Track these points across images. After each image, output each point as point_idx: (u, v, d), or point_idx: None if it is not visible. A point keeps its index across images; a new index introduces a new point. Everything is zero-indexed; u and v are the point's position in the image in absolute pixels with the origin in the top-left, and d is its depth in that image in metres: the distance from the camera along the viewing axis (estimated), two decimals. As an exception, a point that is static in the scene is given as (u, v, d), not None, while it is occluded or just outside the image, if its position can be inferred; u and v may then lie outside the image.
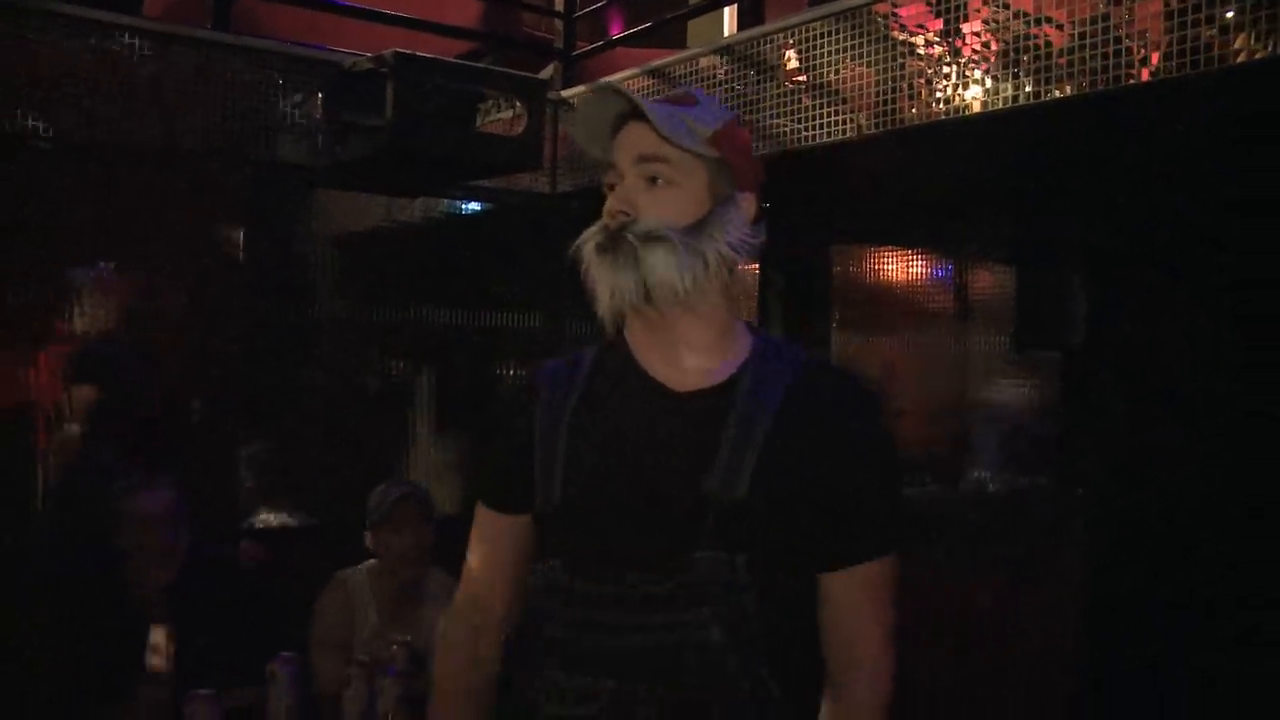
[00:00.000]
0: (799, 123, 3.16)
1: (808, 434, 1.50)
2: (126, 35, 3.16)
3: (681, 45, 4.56)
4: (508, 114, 3.58)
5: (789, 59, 3.20)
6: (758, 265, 3.90)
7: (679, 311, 1.53)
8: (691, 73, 3.45)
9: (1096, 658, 3.27)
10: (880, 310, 3.74)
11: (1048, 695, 3.33)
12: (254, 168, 3.47)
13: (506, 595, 1.68)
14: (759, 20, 3.43)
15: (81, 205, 3.28)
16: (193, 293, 3.53)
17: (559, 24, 3.94)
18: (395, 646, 2.81)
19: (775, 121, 3.23)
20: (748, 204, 1.57)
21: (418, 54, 3.24)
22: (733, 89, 3.30)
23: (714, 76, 3.38)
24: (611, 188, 1.55)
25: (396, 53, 3.21)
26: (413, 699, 2.70)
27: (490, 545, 1.69)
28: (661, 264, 1.48)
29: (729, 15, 4.20)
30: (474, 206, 3.94)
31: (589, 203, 3.93)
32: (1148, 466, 3.21)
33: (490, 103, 3.59)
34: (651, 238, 1.48)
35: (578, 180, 3.84)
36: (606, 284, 1.51)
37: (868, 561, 1.52)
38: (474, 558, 1.71)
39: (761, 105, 3.23)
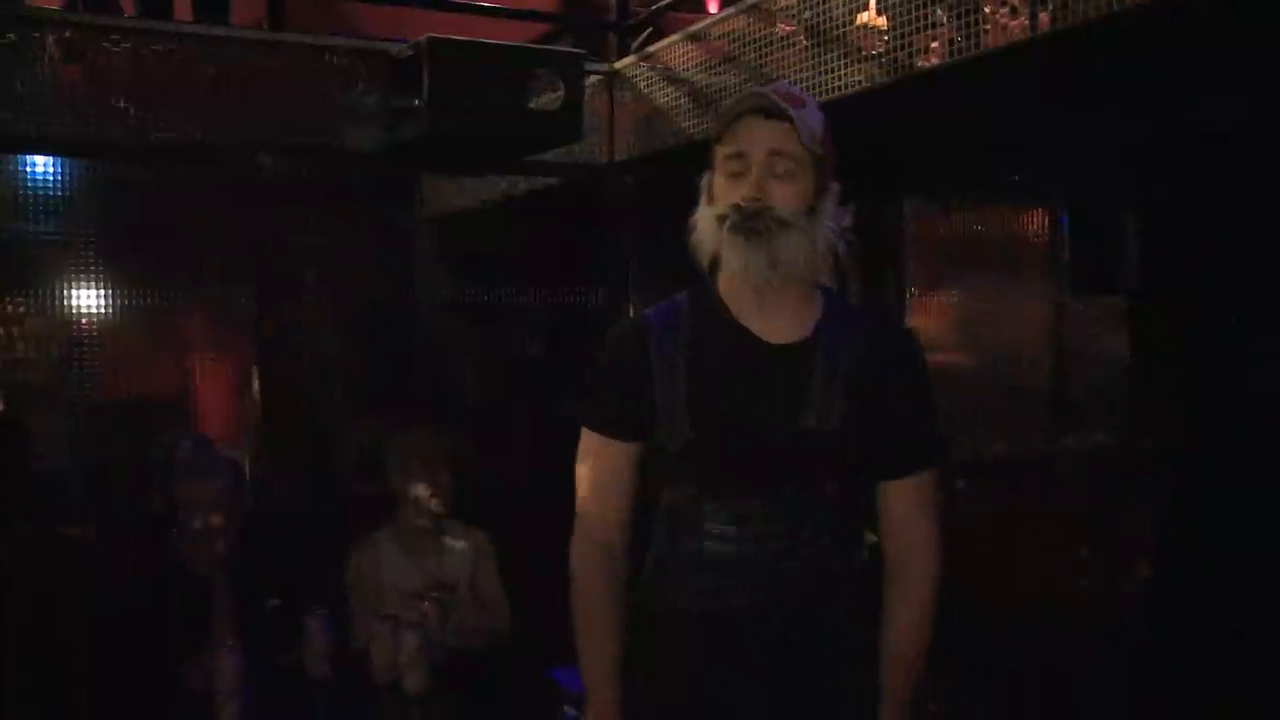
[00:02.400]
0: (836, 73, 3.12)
1: (874, 376, 1.87)
2: (185, 40, 3.41)
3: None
4: (560, 91, 3.65)
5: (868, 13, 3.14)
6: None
7: (786, 281, 1.85)
8: (729, 32, 3.44)
9: (1165, 612, 3.10)
10: (934, 260, 3.64)
11: (1114, 646, 3.19)
12: (320, 158, 3.67)
13: (625, 511, 1.95)
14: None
15: (158, 208, 3.58)
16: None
17: (612, -3, 3.98)
18: (427, 602, 2.96)
19: (803, 75, 3.19)
20: (836, 192, 1.90)
21: (453, 37, 3.36)
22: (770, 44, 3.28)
23: (748, 35, 3.36)
24: (732, 171, 1.84)
25: (431, 37, 3.34)
26: (434, 650, 2.86)
27: (610, 468, 1.94)
28: (792, 246, 1.81)
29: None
30: (531, 181, 4.04)
31: (646, 171, 3.97)
32: (1215, 414, 3.02)
33: (543, 80, 3.66)
34: (782, 223, 1.80)
35: (634, 150, 3.88)
36: (740, 258, 1.82)
37: (922, 471, 1.93)
38: (593, 481, 1.95)
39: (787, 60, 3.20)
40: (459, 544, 3.27)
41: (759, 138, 1.83)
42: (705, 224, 1.88)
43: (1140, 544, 3.20)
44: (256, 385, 3.80)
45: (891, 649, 1.93)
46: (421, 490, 3.19)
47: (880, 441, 1.88)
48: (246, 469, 3.50)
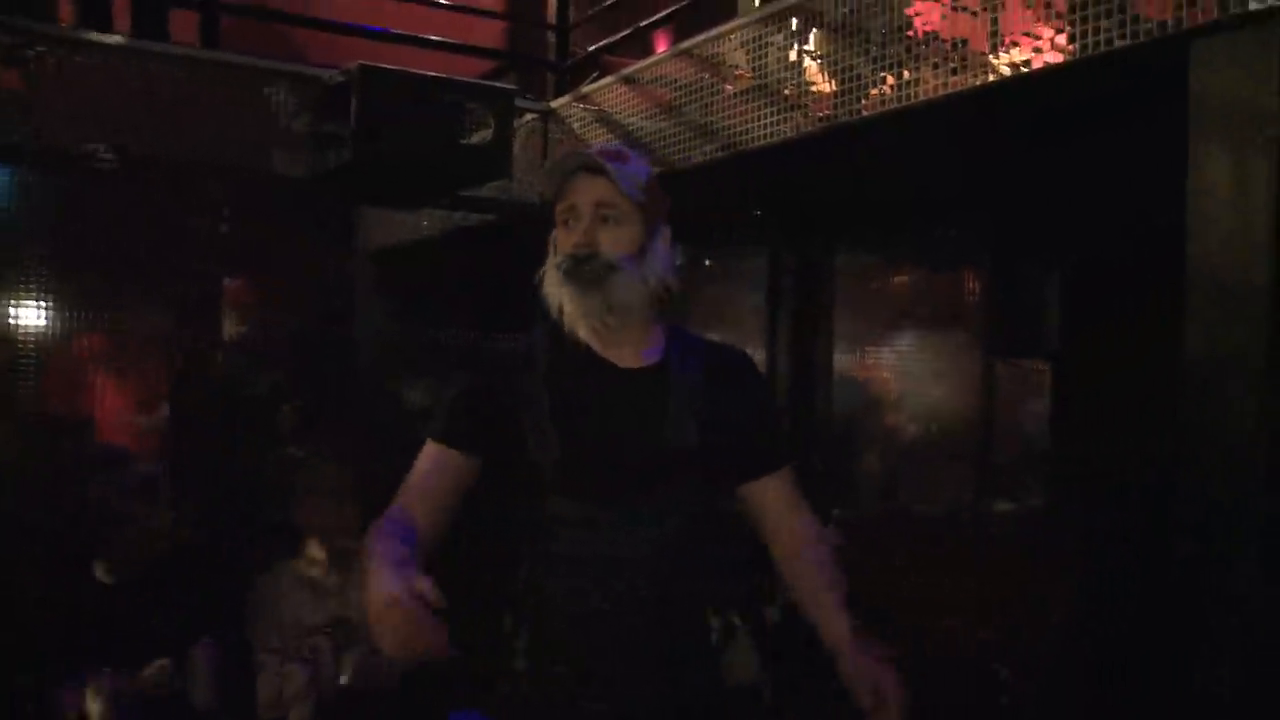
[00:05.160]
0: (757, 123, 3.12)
1: (722, 392, 2.06)
2: (114, 53, 3.36)
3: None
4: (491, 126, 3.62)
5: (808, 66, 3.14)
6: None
7: (624, 320, 2.00)
8: (660, 76, 3.44)
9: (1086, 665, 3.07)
10: (855, 319, 3.63)
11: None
12: (247, 179, 3.62)
13: (432, 516, 1.97)
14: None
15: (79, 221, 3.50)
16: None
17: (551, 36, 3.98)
18: (318, 636, 2.87)
19: (730, 122, 3.19)
20: (666, 235, 2.06)
21: (382, 66, 3.33)
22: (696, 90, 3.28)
23: (679, 80, 3.36)
24: (565, 222, 1.99)
25: (362, 65, 3.31)
26: (325, 687, 2.77)
27: (439, 474, 2.00)
28: (620, 289, 1.96)
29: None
30: (467, 217, 4.00)
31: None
32: (1135, 473, 3.01)
33: (475, 115, 3.63)
34: (611, 267, 1.96)
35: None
36: (577, 303, 1.96)
37: (785, 467, 2.13)
38: (418, 480, 2.00)
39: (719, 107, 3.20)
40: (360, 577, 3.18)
41: (585, 190, 1.98)
42: (549, 275, 2.01)
43: (1062, 601, 3.17)
44: (168, 407, 3.72)
45: (826, 597, 2.04)
46: (327, 524, 3.11)
47: (735, 450, 2.06)
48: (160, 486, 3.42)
